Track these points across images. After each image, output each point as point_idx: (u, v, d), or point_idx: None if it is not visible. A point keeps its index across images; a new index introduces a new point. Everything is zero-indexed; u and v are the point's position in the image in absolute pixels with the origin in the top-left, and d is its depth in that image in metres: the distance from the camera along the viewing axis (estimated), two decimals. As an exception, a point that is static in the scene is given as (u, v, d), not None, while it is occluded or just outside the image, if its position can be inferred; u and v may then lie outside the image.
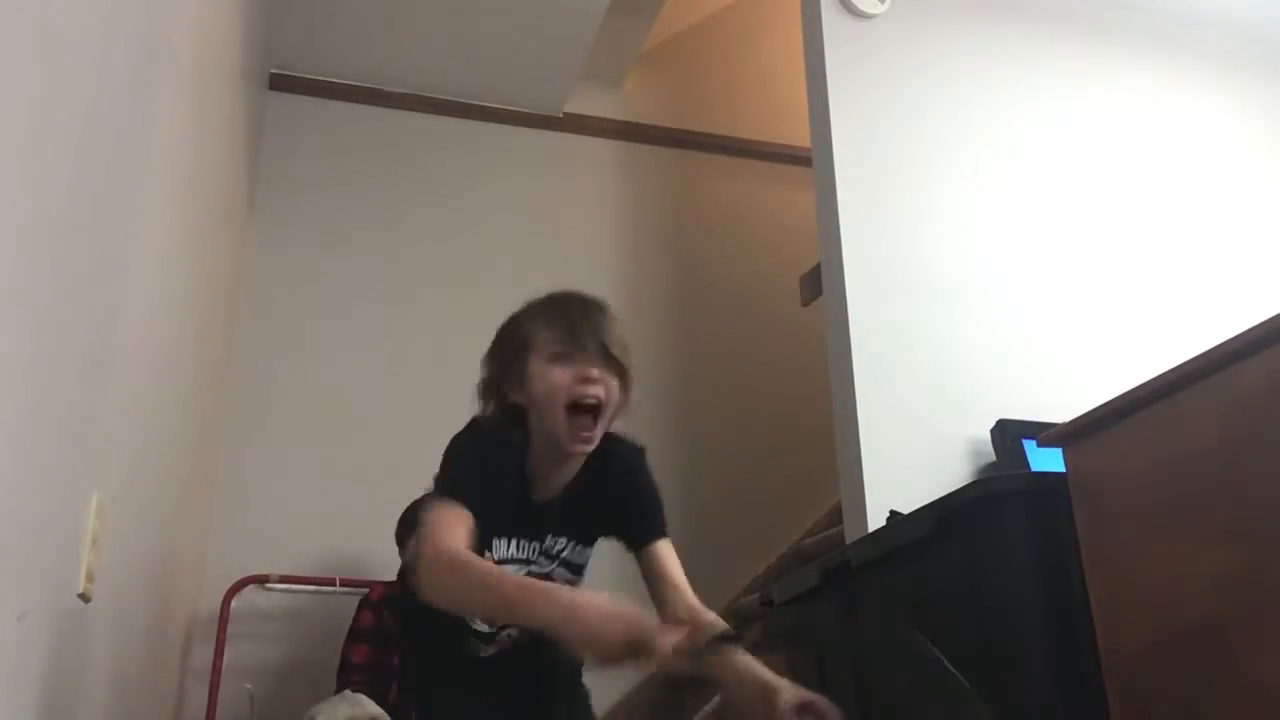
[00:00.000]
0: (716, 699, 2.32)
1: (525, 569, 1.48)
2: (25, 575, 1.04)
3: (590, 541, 1.55)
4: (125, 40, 1.29)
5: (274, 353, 3.18)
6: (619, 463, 1.53)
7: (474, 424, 1.49)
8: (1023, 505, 1.59)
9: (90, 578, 1.27)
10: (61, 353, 1.11)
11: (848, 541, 2.21)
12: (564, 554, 1.52)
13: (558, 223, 3.62)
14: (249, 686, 2.69)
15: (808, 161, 2.75)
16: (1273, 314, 1.26)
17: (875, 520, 2.17)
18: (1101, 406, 1.48)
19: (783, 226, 3.74)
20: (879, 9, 2.77)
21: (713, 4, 4.20)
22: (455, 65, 3.48)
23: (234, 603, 2.79)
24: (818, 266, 2.70)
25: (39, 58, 0.96)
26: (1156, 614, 1.38)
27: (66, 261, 1.10)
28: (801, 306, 2.99)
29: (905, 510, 1.91)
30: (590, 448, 1.43)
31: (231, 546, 2.89)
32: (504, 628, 1.52)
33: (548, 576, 1.49)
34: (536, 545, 1.49)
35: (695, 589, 1.45)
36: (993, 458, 2.31)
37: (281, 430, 3.11)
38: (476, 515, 1.36)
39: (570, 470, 1.49)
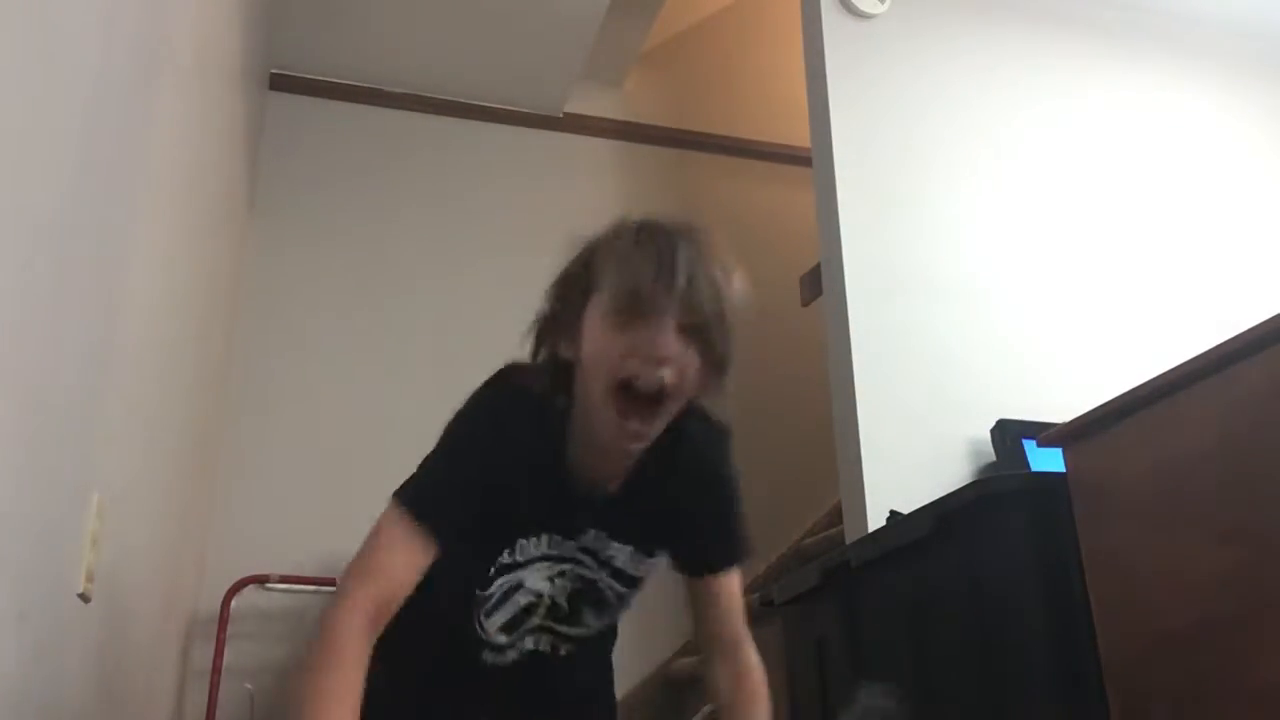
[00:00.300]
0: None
1: (559, 570, 1.19)
2: (25, 575, 1.04)
3: (651, 551, 1.24)
4: (125, 40, 1.29)
5: (274, 352, 3.18)
6: (690, 453, 1.20)
7: (503, 378, 1.16)
8: (1023, 505, 1.59)
9: (90, 578, 1.27)
10: (61, 352, 1.11)
11: (848, 541, 2.20)
12: (615, 560, 1.21)
13: (558, 223, 3.59)
14: (249, 686, 2.68)
15: (808, 161, 2.75)
16: (1273, 314, 1.26)
17: (875, 520, 2.17)
18: (1101, 406, 1.48)
19: (783, 226, 3.74)
20: (879, 9, 2.77)
21: (713, 4, 4.19)
22: (455, 65, 3.48)
23: (234, 603, 2.79)
24: (818, 266, 2.70)
25: (39, 58, 0.96)
26: (1156, 614, 1.38)
27: (66, 261, 1.10)
28: (801, 306, 2.99)
29: (905, 510, 1.91)
30: (640, 446, 1.12)
31: (231, 546, 2.89)
32: (524, 633, 1.23)
33: (593, 586, 1.21)
34: (573, 543, 1.20)
35: None
36: (993, 458, 2.31)
37: (282, 430, 3.11)
38: (451, 541, 1.09)
39: (622, 460, 1.17)
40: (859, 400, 2.35)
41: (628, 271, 1.05)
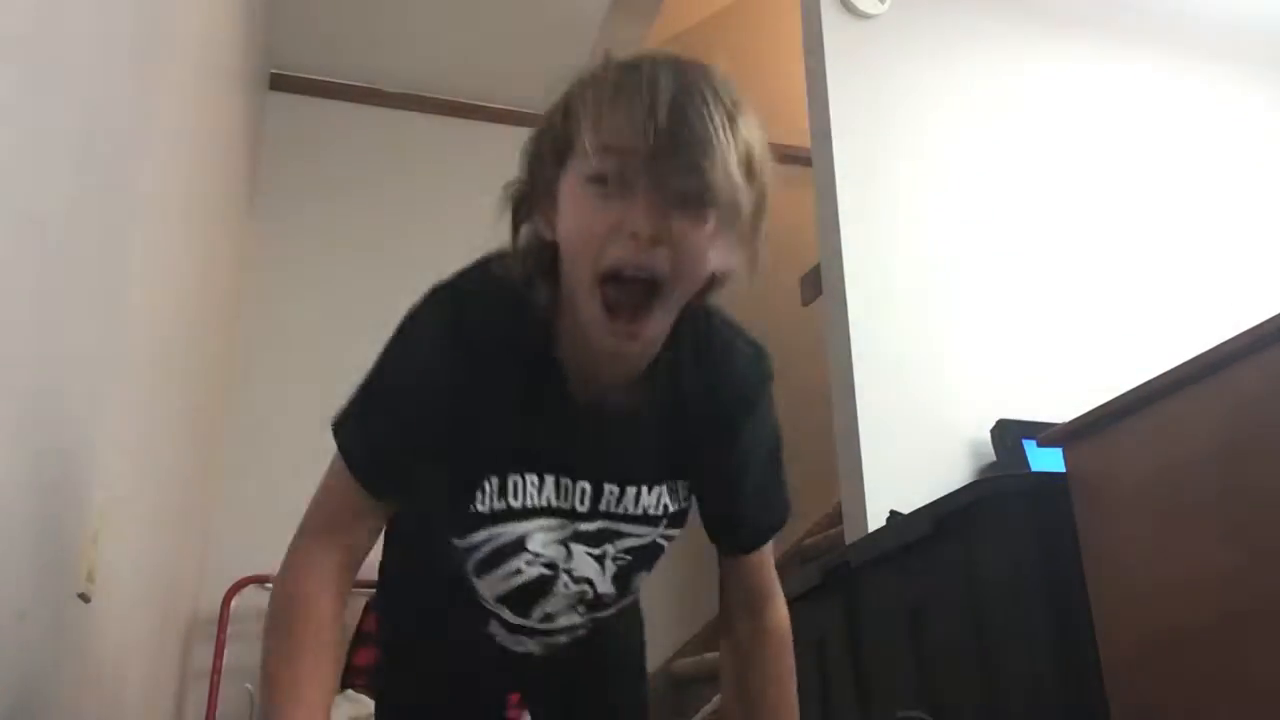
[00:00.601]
0: (716, 699, 2.32)
1: (562, 534, 0.95)
2: (25, 575, 1.04)
3: (676, 475, 0.97)
4: (125, 40, 1.29)
5: (274, 352, 3.18)
6: (721, 371, 0.96)
7: (479, 267, 0.94)
8: (1023, 505, 1.59)
9: (90, 578, 1.27)
10: (62, 353, 1.11)
11: (848, 541, 2.20)
12: (634, 508, 0.96)
13: (558, 223, 3.61)
14: (249, 686, 2.68)
15: (808, 161, 2.75)
16: (1273, 314, 1.26)
17: (875, 520, 2.17)
18: (1101, 406, 1.48)
19: (783, 226, 3.72)
20: (879, 9, 2.77)
21: (713, 4, 4.19)
22: (455, 65, 3.48)
23: (234, 603, 2.79)
24: (818, 266, 2.69)
25: (38, 58, 0.96)
26: (1156, 614, 1.37)
27: (66, 261, 1.10)
28: (802, 306, 2.99)
29: (905, 511, 1.91)
30: (633, 347, 0.87)
31: (231, 546, 2.88)
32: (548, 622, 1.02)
33: (600, 560, 0.98)
34: (586, 488, 0.94)
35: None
36: (993, 458, 2.31)
37: (282, 430, 3.11)
38: (401, 492, 0.91)
39: (628, 364, 0.91)
40: (859, 400, 2.35)
41: (606, 121, 0.81)
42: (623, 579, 1.02)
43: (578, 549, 0.98)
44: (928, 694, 1.67)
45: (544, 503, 0.95)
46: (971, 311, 2.53)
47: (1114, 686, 1.42)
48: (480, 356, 0.90)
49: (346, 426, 0.94)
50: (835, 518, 2.82)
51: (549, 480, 0.94)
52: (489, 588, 1.00)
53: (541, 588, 0.99)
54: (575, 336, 0.90)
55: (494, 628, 1.04)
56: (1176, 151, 2.95)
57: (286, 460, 3.11)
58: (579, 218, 0.84)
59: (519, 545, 0.96)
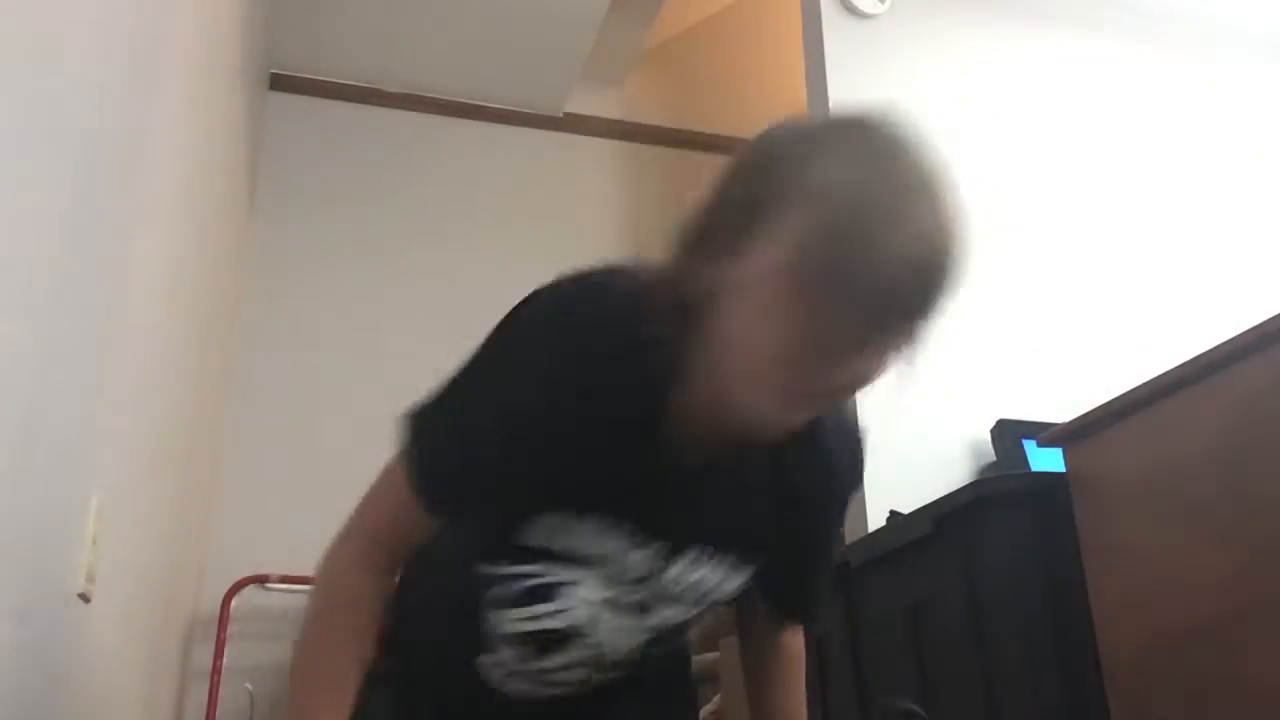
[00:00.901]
0: (716, 699, 2.32)
1: (602, 594, 0.89)
2: (25, 575, 1.04)
3: (758, 546, 0.93)
4: (125, 40, 1.29)
5: (274, 352, 3.18)
6: (831, 460, 0.94)
7: (589, 299, 0.81)
8: (1023, 505, 1.59)
9: (90, 578, 1.27)
10: (62, 352, 1.11)
11: (848, 542, 2.20)
12: (691, 578, 0.90)
13: (558, 223, 3.62)
14: (249, 686, 2.69)
15: (808, 161, 2.74)
16: (1273, 314, 1.26)
17: (875, 520, 2.17)
18: (1101, 406, 1.48)
19: (783, 226, 3.73)
20: (879, 9, 2.77)
21: (713, 4, 4.19)
22: (455, 65, 3.48)
23: (234, 603, 2.79)
24: (818, 266, 2.69)
25: (38, 57, 0.96)
26: (1156, 614, 1.37)
27: (66, 261, 1.10)
28: (802, 306, 2.98)
29: (905, 510, 1.91)
30: (794, 428, 0.81)
31: (231, 546, 2.89)
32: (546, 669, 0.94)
33: (625, 631, 0.92)
34: (655, 548, 0.87)
35: None
36: (993, 458, 2.31)
37: (282, 430, 3.11)
38: (455, 514, 0.86)
39: (745, 435, 0.83)
40: (859, 400, 2.35)
41: (860, 262, 0.66)
42: (638, 651, 0.96)
43: (606, 616, 0.91)
44: (927, 693, 1.67)
45: (600, 552, 0.87)
46: (971, 311, 2.53)
47: (1114, 686, 1.42)
48: (587, 398, 0.80)
49: (420, 436, 0.86)
50: (835, 518, 2.81)
51: (619, 531, 0.86)
52: (505, 623, 0.93)
53: (560, 641, 0.93)
54: (704, 398, 0.80)
55: (486, 661, 0.96)
56: (1177, 151, 2.95)
57: (286, 461, 3.12)
58: (779, 327, 0.70)
59: (552, 592, 0.90)
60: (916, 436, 2.34)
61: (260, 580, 2.83)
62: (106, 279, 1.31)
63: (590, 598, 0.89)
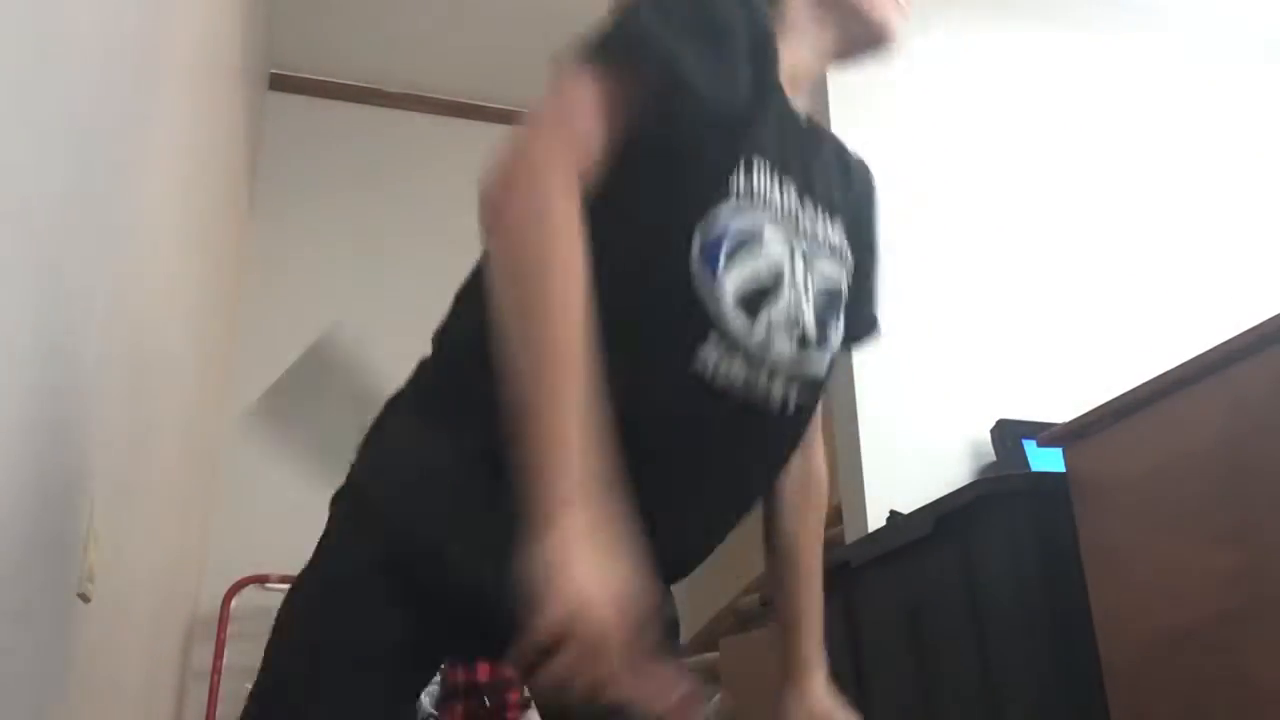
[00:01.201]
0: (716, 698, 2.32)
1: (797, 245, 0.88)
2: (25, 575, 1.04)
3: (847, 240, 0.96)
4: (125, 40, 1.29)
5: (273, 352, 3.17)
6: (862, 168, 1.07)
7: None
8: (1023, 505, 1.59)
9: (90, 578, 1.27)
10: (61, 352, 1.11)
11: (848, 541, 2.20)
12: (830, 234, 0.93)
13: (558, 223, 3.61)
14: (249, 686, 2.69)
15: (808, 161, 2.75)
16: (1273, 314, 1.26)
17: (875, 520, 2.17)
18: (1101, 406, 1.48)
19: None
20: (879, 8, 2.76)
21: (713, 4, 4.19)
22: (455, 65, 3.49)
23: (234, 603, 2.79)
24: (818, 266, 2.69)
25: (38, 57, 0.96)
26: (1156, 614, 1.37)
27: (66, 260, 1.10)
28: (801, 306, 2.99)
29: (905, 510, 1.91)
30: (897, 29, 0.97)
31: (231, 546, 2.89)
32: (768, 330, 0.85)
33: (834, 292, 0.92)
34: (810, 197, 0.90)
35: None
36: (993, 458, 2.31)
37: (281, 430, 3.11)
38: (698, 97, 0.81)
39: (817, 78, 0.94)
40: (859, 400, 2.35)
41: None
42: (821, 324, 0.91)
43: (793, 263, 0.89)
44: (927, 693, 1.67)
45: (777, 197, 0.87)
46: (971, 311, 2.53)
47: (1114, 686, 1.42)
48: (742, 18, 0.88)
49: (626, 23, 0.85)
50: (835, 518, 2.82)
51: (776, 172, 0.87)
52: (734, 280, 0.84)
53: (775, 282, 0.87)
54: (800, 21, 0.94)
55: (706, 353, 0.83)
56: (1177, 151, 2.95)
57: (286, 461, 3.11)
58: None
59: (758, 233, 0.86)
60: (916, 436, 2.34)
61: (260, 580, 2.83)
62: (106, 278, 1.31)
63: (780, 239, 0.87)
